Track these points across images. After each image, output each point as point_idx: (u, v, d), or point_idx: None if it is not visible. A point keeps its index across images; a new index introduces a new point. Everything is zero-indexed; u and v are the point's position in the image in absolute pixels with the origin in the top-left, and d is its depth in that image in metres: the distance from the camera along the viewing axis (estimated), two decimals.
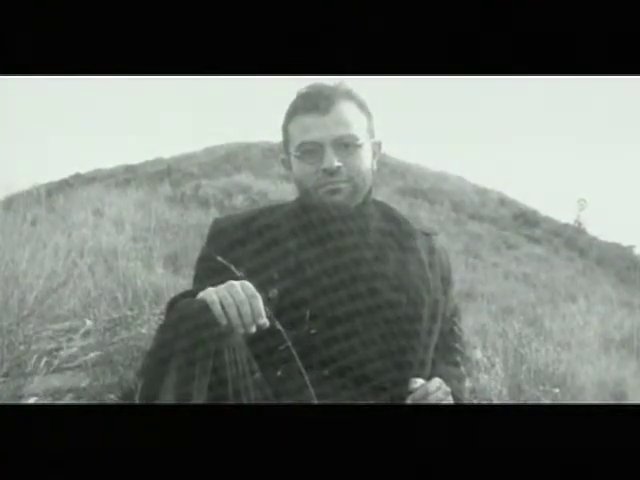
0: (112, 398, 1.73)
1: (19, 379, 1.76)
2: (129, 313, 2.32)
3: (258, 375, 1.11)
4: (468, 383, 1.40)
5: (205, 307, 1.03)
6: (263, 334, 1.07)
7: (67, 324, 2.20)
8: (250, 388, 1.06)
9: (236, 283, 1.06)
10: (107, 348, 1.96)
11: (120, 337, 2.05)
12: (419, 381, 1.23)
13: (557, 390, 2.70)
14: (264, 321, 1.04)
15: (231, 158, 11.51)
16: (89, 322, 2.18)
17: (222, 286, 1.06)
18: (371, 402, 1.19)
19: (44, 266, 2.25)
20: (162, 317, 1.96)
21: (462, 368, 1.37)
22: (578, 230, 12.44)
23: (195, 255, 1.40)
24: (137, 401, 1.00)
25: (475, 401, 2.29)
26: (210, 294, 1.04)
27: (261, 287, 1.10)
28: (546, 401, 2.59)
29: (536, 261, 9.27)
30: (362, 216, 1.33)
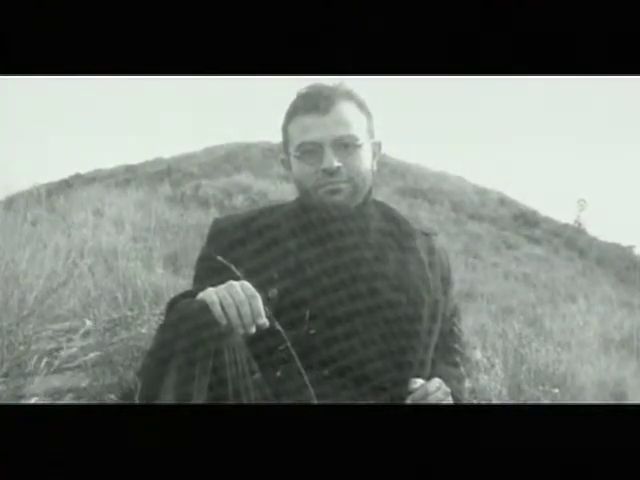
0: (112, 398, 1.73)
1: (19, 379, 1.76)
2: (129, 313, 2.32)
3: (258, 375, 1.11)
4: (468, 383, 1.40)
5: (205, 307, 1.03)
6: (263, 334, 1.07)
7: (67, 324, 2.20)
8: (250, 388, 1.07)
9: (236, 283, 1.06)
10: (107, 348, 1.96)
11: (120, 337, 2.05)
12: (419, 381, 1.23)
13: (557, 390, 2.70)
14: (264, 321, 1.05)
15: (231, 158, 11.51)
16: (89, 322, 2.18)
17: (222, 286, 1.06)
18: (371, 402, 1.19)
19: (44, 266, 2.24)
20: (162, 317, 1.96)
21: (462, 368, 1.37)
22: (578, 230, 12.43)
23: (195, 255, 1.40)
24: (137, 401, 1.00)
25: (475, 401, 2.29)
26: (210, 294, 1.05)
27: (261, 287, 1.11)
28: (546, 401, 2.59)
29: (536, 261, 9.27)
30: (362, 216, 1.33)
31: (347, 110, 1.31)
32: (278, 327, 1.09)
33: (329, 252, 1.26)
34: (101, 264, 2.91)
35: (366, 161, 1.33)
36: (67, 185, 8.62)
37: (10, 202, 3.10)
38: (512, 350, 2.94)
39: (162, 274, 2.96)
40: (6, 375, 1.78)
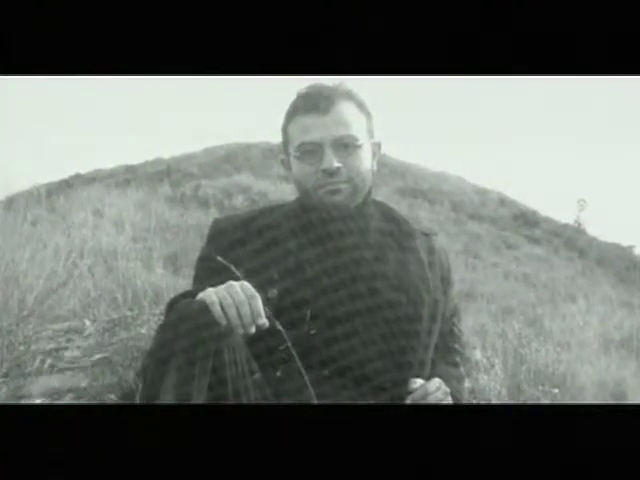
0: (112, 398, 1.73)
1: (19, 379, 1.76)
2: (129, 313, 2.32)
3: (258, 375, 1.11)
4: (467, 383, 1.40)
5: (205, 308, 1.03)
6: (263, 334, 1.07)
7: (67, 324, 2.20)
8: (250, 388, 1.07)
9: (235, 284, 1.06)
10: (107, 348, 1.96)
11: (120, 337, 2.05)
12: (419, 381, 1.23)
13: (556, 390, 2.70)
14: (263, 321, 1.05)
15: (231, 158, 11.51)
16: (89, 322, 2.18)
17: (222, 287, 1.06)
18: (371, 402, 1.19)
19: (44, 266, 2.24)
20: (162, 317, 1.95)
21: (461, 368, 1.37)
22: (578, 230, 12.43)
23: (195, 255, 1.40)
24: (138, 401, 1.00)
25: (474, 401, 2.29)
26: (210, 295, 1.05)
27: (261, 287, 1.11)
28: (546, 401, 2.59)
29: (536, 261, 9.27)
30: (362, 216, 1.33)
31: (347, 110, 1.31)
32: (278, 327, 1.09)
33: (329, 252, 1.26)
34: (101, 264, 2.91)
35: (366, 161, 1.33)
36: (67, 185, 8.62)
37: (10, 202, 3.10)
38: (512, 350, 2.94)
39: (162, 274, 2.96)
40: (6, 375, 1.78)
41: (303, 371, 1.10)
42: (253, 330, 1.04)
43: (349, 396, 1.18)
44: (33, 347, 1.92)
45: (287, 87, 1.44)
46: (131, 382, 1.71)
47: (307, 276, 1.23)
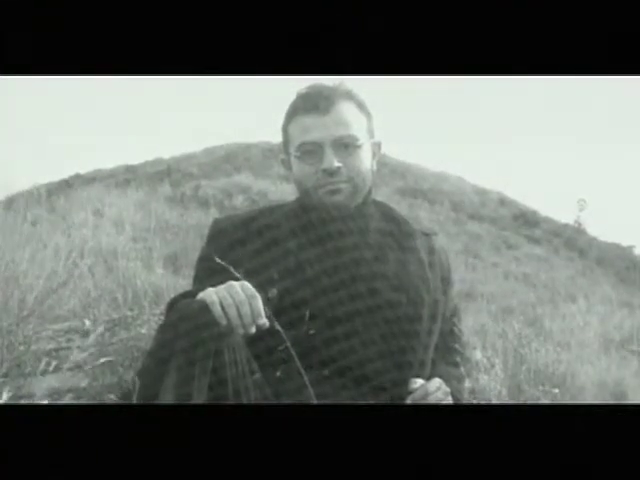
0: (112, 398, 1.73)
1: (19, 379, 1.76)
2: (129, 313, 2.32)
3: (258, 375, 1.11)
4: (468, 383, 1.40)
5: (205, 307, 1.03)
6: (263, 334, 1.07)
7: (67, 324, 2.20)
8: (250, 388, 1.07)
9: (236, 284, 1.06)
10: (107, 348, 1.96)
11: (120, 337, 2.05)
12: (419, 381, 1.23)
13: (557, 390, 2.70)
14: (264, 321, 1.05)
15: (231, 158, 11.51)
16: (89, 322, 2.18)
17: (222, 287, 1.06)
18: (371, 402, 1.19)
19: (44, 266, 2.24)
20: (162, 317, 1.96)
21: (462, 368, 1.37)
22: (578, 230, 12.43)
23: (195, 255, 1.40)
24: (135, 401, 1.00)
25: (475, 401, 2.29)
26: (210, 294, 1.05)
27: (261, 287, 1.11)
28: (546, 401, 2.59)
29: (536, 261, 9.27)
30: (362, 216, 1.33)
31: (347, 110, 1.31)
32: (278, 327, 1.09)
33: (329, 252, 1.26)
34: (101, 264, 2.91)
35: (366, 161, 1.33)
36: (67, 185, 8.62)
37: (10, 202, 3.10)
38: (512, 350, 2.94)
39: (162, 274, 2.96)
40: (6, 375, 1.78)
41: (303, 371, 1.10)
42: (253, 330, 1.05)
43: (349, 396, 1.18)
44: (33, 347, 1.92)
45: (287, 87, 1.44)
46: (131, 382, 1.71)
47: (307, 276, 1.23)
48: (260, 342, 1.11)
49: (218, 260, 1.14)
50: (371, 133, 1.37)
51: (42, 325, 2.10)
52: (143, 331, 2.02)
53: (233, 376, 1.03)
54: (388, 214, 1.39)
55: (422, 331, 1.26)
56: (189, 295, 1.16)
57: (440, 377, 1.28)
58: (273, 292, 1.21)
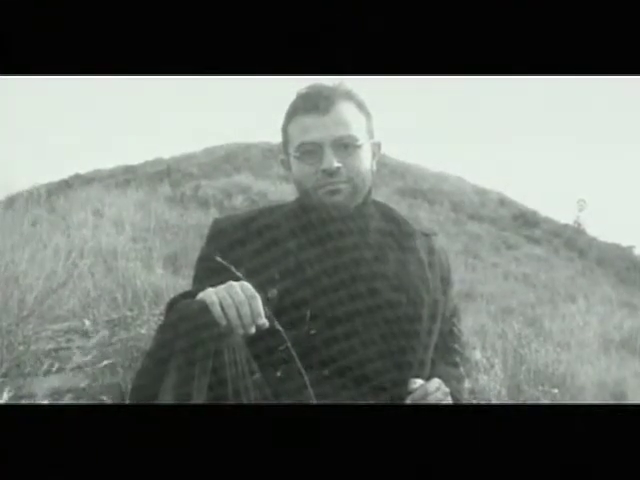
0: (105, 400, 1.73)
1: (18, 379, 1.76)
2: (129, 314, 2.32)
3: (258, 375, 1.11)
4: (467, 384, 1.40)
5: (204, 308, 1.03)
6: (263, 334, 1.07)
7: (66, 324, 2.20)
8: (250, 388, 1.06)
9: (235, 284, 1.06)
10: (107, 350, 1.96)
11: (119, 338, 2.05)
12: (418, 382, 1.23)
13: (556, 391, 2.70)
14: (263, 322, 1.04)
15: (231, 158, 11.51)
16: (88, 323, 2.18)
17: (221, 287, 1.06)
18: (371, 402, 1.19)
19: (44, 266, 2.24)
20: (161, 318, 1.95)
21: (461, 369, 1.37)
22: (578, 231, 12.43)
23: (195, 255, 1.39)
24: (127, 401, 1.00)
25: (474, 402, 2.29)
26: (210, 295, 1.04)
27: (261, 287, 1.11)
28: (545, 401, 2.59)
29: (536, 261, 9.27)
30: (362, 216, 1.33)
31: (347, 110, 1.31)
32: (278, 327, 1.09)
33: (329, 252, 1.26)
34: (101, 264, 2.91)
35: (366, 161, 1.33)
36: (67, 185, 8.62)
37: (10, 202, 3.10)
38: (512, 350, 2.94)
39: (162, 274, 2.96)
40: (5, 375, 1.78)
41: (303, 371, 1.10)
42: (253, 330, 1.04)
43: (349, 396, 1.18)
44: (33, 347, 1.92)
45: (287, 87, 1.44)
46: (130, 383, 1.71)
47: (307, 276, 1.23)
48: (260, 342, 1.11)
49: (219, 260, 1.14)
50: (371, 133, 1.36)
51: (42, 325, 2.10)
52: (143, 331, 2.02)
53: (233, 376, 1.03)
54: (388, 214, 1.39)
55: (422, 331, 1.26)
56: (189, 295, 1.16)
57: (440, 377, 1.28)
58: (273, 292, 1.21)
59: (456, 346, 1.40)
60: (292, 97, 1.36)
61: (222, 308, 1.02)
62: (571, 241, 11.41)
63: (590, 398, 2.96)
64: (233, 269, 1.11)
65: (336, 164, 1.27)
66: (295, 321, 1.18)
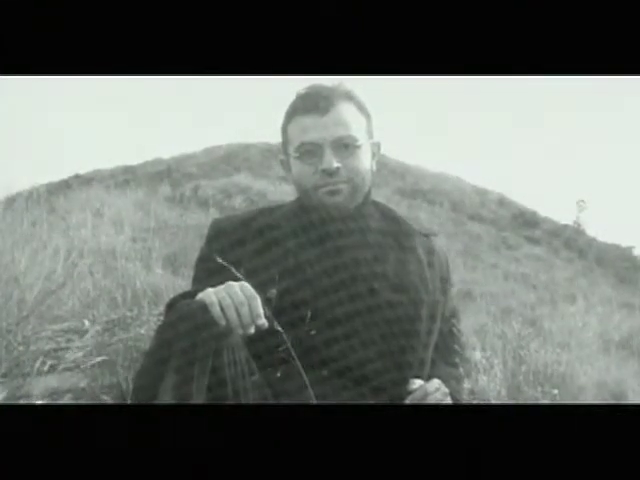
0: (106, 399, 1.73)
1: (18, 379, 1.76)
2: (128, 314, 2.32)
3: (257, 376, 1.11)
4: (467, 384, 1.40)
5: (204, 308, 1.03)
6: (263, 334, 1.07)
7: (66, 325, 2.20)
8: (249, 389, 1.06)
9: (235, 284, 1.06)
10: (106, 349, 1.95)
11: (119, 338, 2.04)
12: (418, 382, 1.23)
13: (556, 391, 2.70)
14: (263, 322, 1.04)
15: (230, 159, 11.51)
16: (88, 323, 2.18)
17: (221, 287, 1.06)
18: (371, 402, 1.19)
19: (44, 266, 2.24)
20: (161, 318, 1.96)
21: (461, 369, 1.37)
22: (577, 231, 12.45)
23: (194, 256, 1.39)
24: (129, 401, 1.00)
25: (474, 402, 2.29)
26: (209, 295, 1.04)
27: (260, 287, 1.10)
28: (545, 402, 2.59)
29: (535, 262, 9.27)
30: (361, 216, 1.33)
31: (346, 111, 1.31)
32: (278, 327, 1.09)
33: (329, 252, 1.26)
34: (100, 264, 2.91)
35: (365, 161, 1.33)
36: (67, 186, 8.62)
37: (10, 202, 3.09)
38: (511, 351, 2.94)
39: (161, 274, 2.96)
40: (5, 375, 1.77)
41: (303, 371, 1.10)
42: (252, 331, 1.04)
43: (349, 396, 1.18)
44: (32, 347, 1.92)
45: (287, 87, 1.44)
46: (130, 382, 1.71)
47: (307, 276, 1.23)
48: (260, 342, 1.11)
49: (219, 260, 1.14)
50: (370, 133, 1.36)
51: (41, 325, 2.10)
52: (142, 331, 2.02)
53: (232, 376, 1.03)
54: (387, 214, 1.39)
55: (422, 331, 1.26)
56: (188, 295, 1.16)
57: (439, 377, 1.28)
58: (272, 292, 1.21)
59: (456, 346, 1.40)
60: (292, 97, 1.36)
61: (221, 308, 1.02)
62: (571, 241, 11.42)
63: (590, 398, 2.96)
64: (233, 269, 1.11)
65: (336, 164, 1.27)
66: (295, 321, 1.18)
